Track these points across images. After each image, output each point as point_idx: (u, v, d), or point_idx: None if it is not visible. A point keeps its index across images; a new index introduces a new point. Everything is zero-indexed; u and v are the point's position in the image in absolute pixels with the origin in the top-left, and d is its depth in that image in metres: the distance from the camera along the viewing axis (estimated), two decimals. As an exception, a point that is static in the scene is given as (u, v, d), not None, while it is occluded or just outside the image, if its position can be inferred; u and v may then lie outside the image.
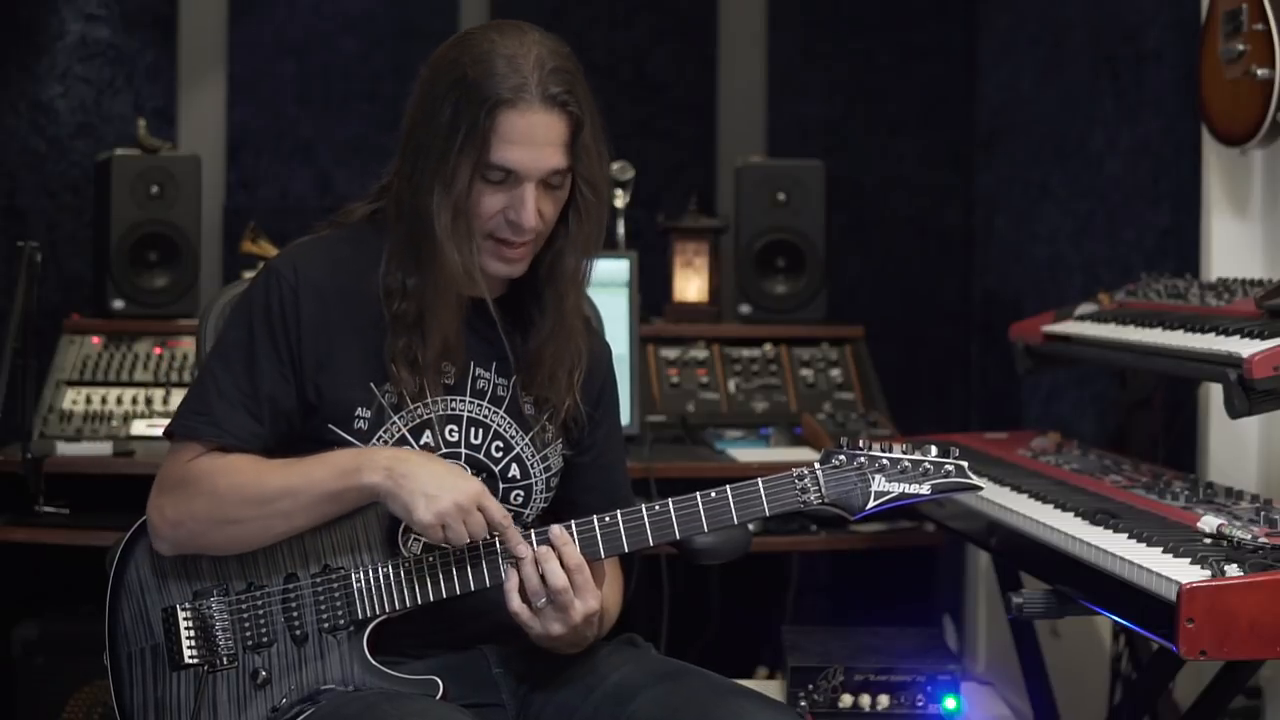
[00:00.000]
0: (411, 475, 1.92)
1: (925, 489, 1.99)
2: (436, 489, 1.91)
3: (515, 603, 1.94)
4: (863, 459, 1.99)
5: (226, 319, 2.11)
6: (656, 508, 1.97)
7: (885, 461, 1.99)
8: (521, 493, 2.10)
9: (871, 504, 1.99)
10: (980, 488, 2.03)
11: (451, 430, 2.06)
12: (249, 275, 2.82)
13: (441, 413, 2.05)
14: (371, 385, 2.02)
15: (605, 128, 2.06)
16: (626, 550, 1.99)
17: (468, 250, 1.99)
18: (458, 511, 1.90)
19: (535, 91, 1.95)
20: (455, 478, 1.93)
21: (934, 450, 2.00)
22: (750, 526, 2.80)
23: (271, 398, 2.01)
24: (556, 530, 1.96)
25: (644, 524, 1.98)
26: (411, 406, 2.03)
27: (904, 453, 2.00)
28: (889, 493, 1.99)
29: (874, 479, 1.99)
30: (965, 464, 2.00)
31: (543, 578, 1.93)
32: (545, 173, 1.98)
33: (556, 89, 1.96)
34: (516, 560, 1.94)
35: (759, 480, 1.99)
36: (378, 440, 2.02)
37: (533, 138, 1.96)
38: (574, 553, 1.94)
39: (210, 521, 1.97)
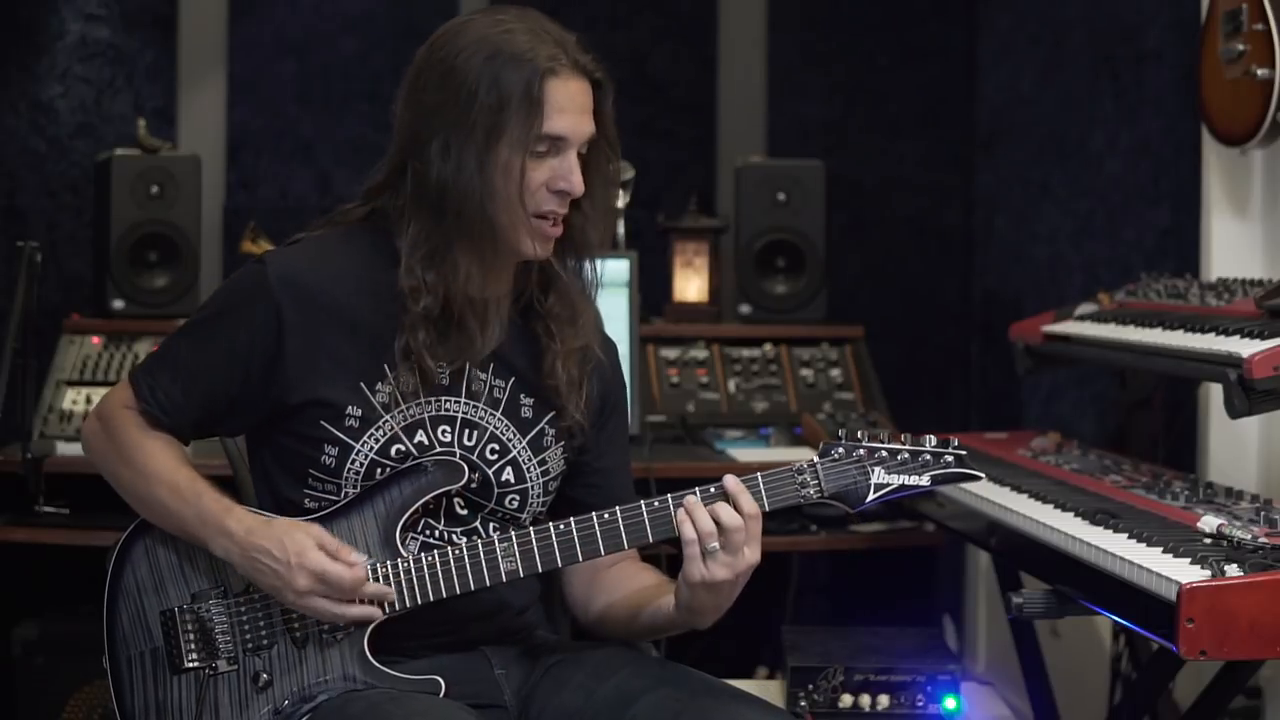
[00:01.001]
0: (252, 571, 1.96)
1: (925, 480, 1.99)
2: (273, 579, 1.94)
3: (690, 531, 1.92)
4: (861, 451, 1.99)
5: (215, 292, 2.15)
6: (655, 504, 1.96)
7: (884, 453, 1.98)
8: (517, 497, 2.09)
9: (872, 496, 1.98)
10: (980, 476, 2.03)
11: (444, 430, 2.05)
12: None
13: (434, 413, 2.05)
14: (362, 385, 2.02)
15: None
16: (626, 547, 1.99)
17: (523, 227, 1.99)
18: (303, 597, 1.93)
19: (568, 60, 1.97)
20: (287, 569, 1.92)
21: (933, 441, 2.00)
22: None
23: (209, 387, 2.04)
24: (731, 480, 1.94)
25: (643, 520, 1.97)
26: (404, 406, 2.02)
27: (902, 444, 1.99)
28: (889, 484, 1.98)
29: (874, 471, 1.98)
30: (964, 454, 2.00)
31: (717, 521, 1.92)
32: (585, 139, 2.00)
33: (583, 57, 1.99)
34: (686, 505, 1.93)
35: (758, 475, 1.97)
36: (369, 438, 2.01)
37: (575, 105, 1.98)
38: (749, 501, 1.93)
39: (105, 470, 2.10)
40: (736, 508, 1.92)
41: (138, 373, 2.08)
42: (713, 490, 1.95)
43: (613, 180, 2.08)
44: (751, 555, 1.93)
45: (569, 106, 1.97)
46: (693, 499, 1.94)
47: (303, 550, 1.93)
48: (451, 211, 1.97)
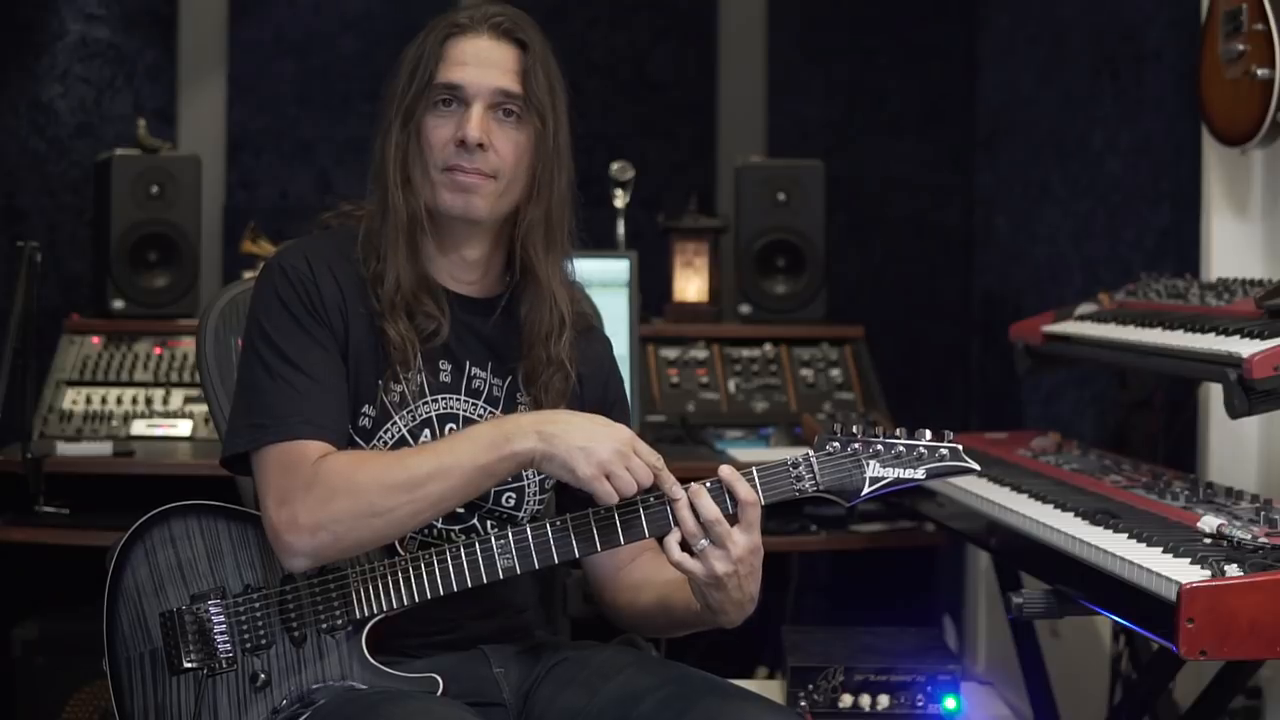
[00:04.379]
0: (561, 434, 1.90)
1: (920, 473, 1.98)
2: (589, 440, 1.89)
3: (676, 553, 1.91)
4: (856, 445, 1.98)
5: (254, 324, 2.00)
6: (651, 499, 1.96)
7: (879, 447, 1.98)
8: (513, 494, 2.09)
9: (867, 490, 1.97)
10: (976, 469, 2.01)
11: (450, 428, 2.06)
12: (249, 275, 2.82)
13: (441, 410, 2.05)
14: (379, 382, 2.03)
15: (564, 75, 2.08)
16: (623, 543, 1.98)
17: (436, 182, 2.01)
18: (618, 459, 1.89)
19: (483, 22, 2.03)
20: (604, 427, 1.92)
21: (928, 434, 1.99)
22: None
23: (339, 384, 1.99)
24: (725, 470, 1.93)
25: (639, 516, 1.96)
26: (412, 405, 2.03)
27: (897, 437, 1.99)
28: (884, 478, 1.97)
29: (869, 464, 1.97)
30: (959, 447, 1.99)
31: (697, 516, 1.91)
32: (491, 91, 2.00)
33: (503, 19, 2.04)
34: (670, 504, 1.92)
35: (754, 469, 1.97)
36: (379, 441, 2.02)
37: (479, 59, 2.02)
38: (745, 489, 1.92)
39: (355, 518, 1.88)
40: (732, 496, 1.92)
41: (279, 429, 1.92)
42: (708, 485, 1.94)
43: (549, 149, 2.04)
44: (745, 540, 1.91)
45: (469, 60, 2.01)
46: (678, 492, 1.93)
47: (609, 420, 1.94)
48: (380, 190, 2.02)
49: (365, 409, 2.02)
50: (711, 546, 1.90)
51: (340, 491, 1.88)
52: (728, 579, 1.91)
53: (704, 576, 1.91)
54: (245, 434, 1.95)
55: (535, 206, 2.05)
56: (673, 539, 1.92)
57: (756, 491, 1.94)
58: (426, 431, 2.04)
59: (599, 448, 1.89)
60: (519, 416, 1.97)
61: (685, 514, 1.91)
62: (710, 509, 1.90)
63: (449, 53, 2.02)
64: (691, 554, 1.91)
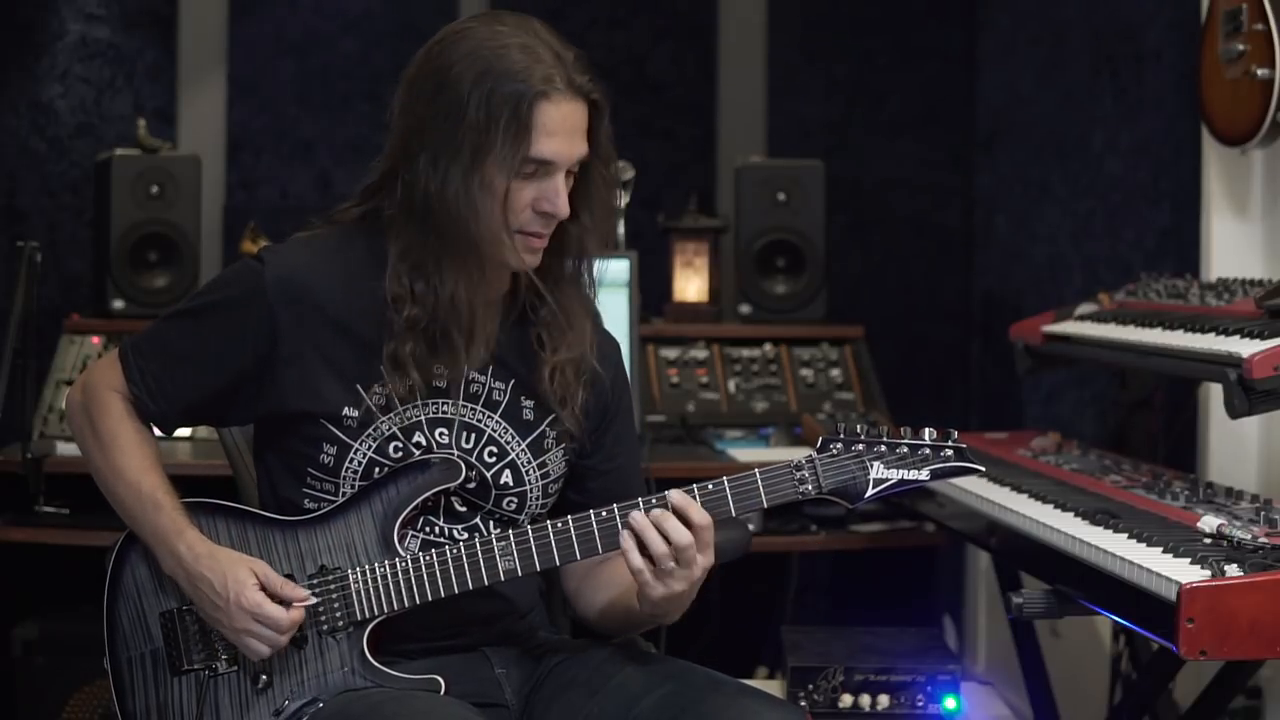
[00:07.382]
0: (198, 600, 1.98)
1: (924, 474, 1.96)
2: (214, 613, 1.96)
3: (637, 560, 1.91)
4: (860, 446, 1.96)
5: (211, 281, 2.15)
6: (654, 501, 1.95)
7: (883, 448, 1.96)
8: (515, 499, 2.09)
9: (871, 491, 1.96)
10: (981, 470, 2.00)
11: (441, 433, 2.05)
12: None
13: (431, 415, 2.04)
14: (358, 386, 2.01)
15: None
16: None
17: (507, 244, 1.98)
18: (243, 634, 1.95)
19: (563, 82, 1.95)
20: (224, 599, 1.94)
21: (932, 434, 1.97)
22: (750, 526, 2.81)
23: (198, 379, 2.05)
24: (676, 494, 1.93)
25: None
26: (401, 408, 2.02)
27: (901, 438, 1.97)
28: (888, 479, 1.96)
29: (872, 466, 1.96)
30: (964, 447, 1.97)
31: (665, 537, 1.91)
32: (574, 162, 1.99)
33: (581, 77, 1.98)
34: (634, 527, 1.92)
35: (756, 471, 1.96)
36: (368, 437, 2.01)
37: (566, 127, 1.96)
38: (699, 513, 1.92)
39: (81, 447, 2.13)
40: (685, 522, 1.91)
41: (128, 352, 2.08)
42: (655, 502, 1.94)
43: (607, 192, 2.06)
44: (705, 562, 1.93)
45: (558, 130, 1.95)
46: (640, 519, 1.92)
47: (241, 589, 1.94)
48: (437, 225, 1.97)
49: (347, 411, 2.01)
50: (677, 568, 1.92)
51: (93, 424, 2.08)
52: (684, 594, 1.94)
53: (660, 595, 1.93)
54: (134, 340, 2.10)
55: (588, 237, 2.07)
56: (631, 545, 1.92)
57: (760, 499, 1.94)
58: (418, 434, 2.03)
59: (223, 630, 1.97)
60: (187, 548, 1.98)
61: (654, 538, 1.91)
62: (682, 535, 1.90)
63: (541, 120, 1.93)
64: (651, 562, 1.92)
